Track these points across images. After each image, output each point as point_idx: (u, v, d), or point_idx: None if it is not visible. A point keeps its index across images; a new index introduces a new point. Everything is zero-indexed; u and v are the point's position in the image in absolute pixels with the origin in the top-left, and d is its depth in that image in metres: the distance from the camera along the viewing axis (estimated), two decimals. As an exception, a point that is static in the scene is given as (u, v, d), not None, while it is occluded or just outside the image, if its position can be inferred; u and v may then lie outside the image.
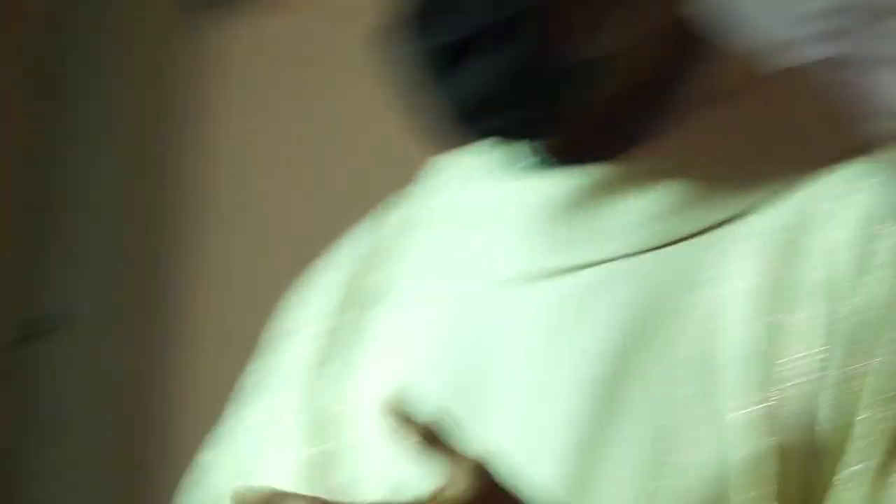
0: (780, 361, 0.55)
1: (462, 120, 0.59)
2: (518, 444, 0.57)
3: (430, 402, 0.54)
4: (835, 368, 0.55)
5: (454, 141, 0.62)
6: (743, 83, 0.62)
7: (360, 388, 0.65)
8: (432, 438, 0.49)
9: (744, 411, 0.55)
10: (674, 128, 0.60)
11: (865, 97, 0.66)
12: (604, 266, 0.59)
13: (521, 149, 0.62)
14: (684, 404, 0.56)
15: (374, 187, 0.85)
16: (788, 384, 0.55)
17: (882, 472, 0.54)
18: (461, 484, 0.49)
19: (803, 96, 0.64)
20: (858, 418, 0.54)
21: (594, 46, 0.58)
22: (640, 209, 0.59)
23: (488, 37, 0.57)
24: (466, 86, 0.58)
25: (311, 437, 0.67)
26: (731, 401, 0.55)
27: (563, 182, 0.61)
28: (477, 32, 0.57)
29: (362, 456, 0.63)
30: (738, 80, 0.62)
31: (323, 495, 0.56)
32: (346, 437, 0.65)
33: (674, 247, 0.59)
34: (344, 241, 0.73)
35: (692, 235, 0.59)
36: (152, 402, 1.76)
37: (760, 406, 0.55)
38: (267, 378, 0.72)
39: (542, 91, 0.58)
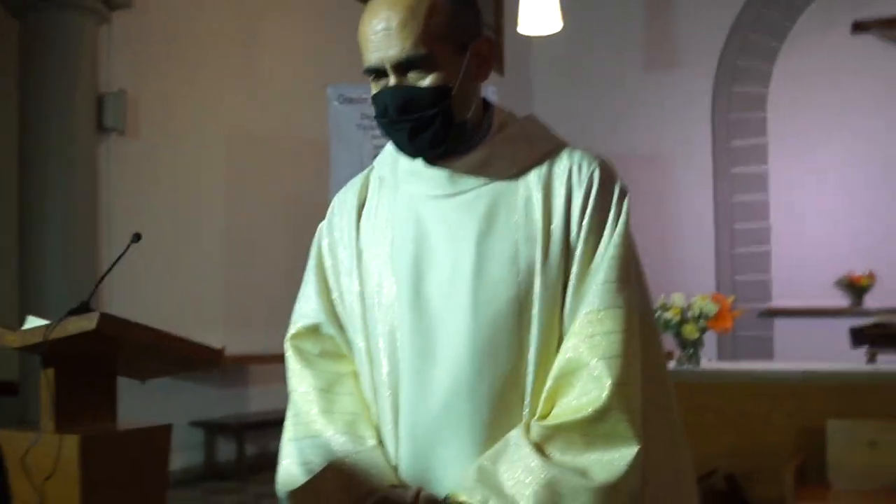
0: (553, 226, 1.54)
1: (418, 151, 1.57)
2: (447, 269, 1.53)
3: (406, 259, 1.55)
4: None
5: (410, 154, 1.60)
6: (510, 121, 1.62)
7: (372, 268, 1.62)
8: None
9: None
10: (488, 140, 1.59)
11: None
12: (473, 191, 1.56)
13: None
14: (520, 239, 1.53)
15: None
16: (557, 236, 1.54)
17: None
18: None
19: (535, 124, 1.64)
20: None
21: (466, 116, 1.56)
22: (485, 170, 1.57)
23: (428, 123, 1.51)
24: (422, 141, 1.54)
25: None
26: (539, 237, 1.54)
27: (451, 162, 1.58)
28: (423, 122, 1.52)
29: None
30: (506, 120, 1.62)
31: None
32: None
33: (500, 182, 1.56)
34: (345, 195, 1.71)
35: (507, 178, 1.57)
36: None
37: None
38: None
39: (453, 137, 1.55)
